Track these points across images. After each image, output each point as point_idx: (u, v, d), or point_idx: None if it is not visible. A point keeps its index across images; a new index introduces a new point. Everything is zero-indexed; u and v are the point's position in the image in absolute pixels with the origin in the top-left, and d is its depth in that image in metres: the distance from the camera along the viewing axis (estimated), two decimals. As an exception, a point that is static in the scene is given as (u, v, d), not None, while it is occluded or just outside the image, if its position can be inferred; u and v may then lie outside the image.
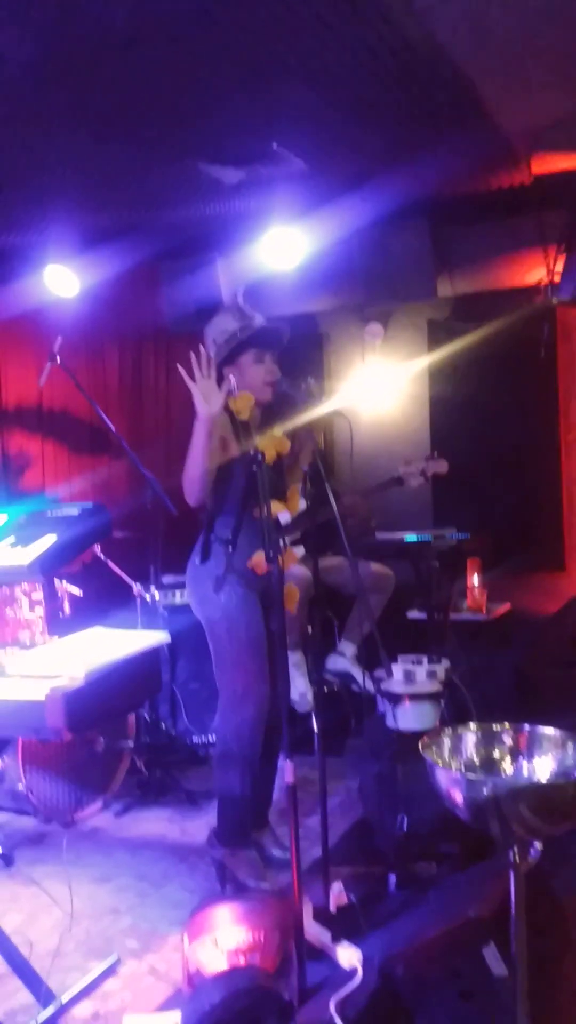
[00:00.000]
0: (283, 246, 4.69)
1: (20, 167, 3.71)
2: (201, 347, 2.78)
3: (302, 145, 3.66)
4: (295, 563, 3.49)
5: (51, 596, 3.74)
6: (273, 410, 3.11)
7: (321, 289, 5.49)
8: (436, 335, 6.52)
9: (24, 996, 2.33)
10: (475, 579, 5.01)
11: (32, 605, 3.74)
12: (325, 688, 4.19)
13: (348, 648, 4.37)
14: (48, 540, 3.46)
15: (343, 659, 4.36)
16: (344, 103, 3.34)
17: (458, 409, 6.71)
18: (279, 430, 3.08)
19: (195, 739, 4.20)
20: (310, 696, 4.13)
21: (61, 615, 3.79)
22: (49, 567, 3.40)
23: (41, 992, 2.30)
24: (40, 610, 3.71)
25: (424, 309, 6.38)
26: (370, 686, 3.74)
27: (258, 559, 2.89)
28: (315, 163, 3.81)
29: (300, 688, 4.16)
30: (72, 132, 3.40)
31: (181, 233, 4.86)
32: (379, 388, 6.55)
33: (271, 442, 3.03)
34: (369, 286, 5.08)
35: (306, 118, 3.45)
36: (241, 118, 3.38)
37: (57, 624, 3.67)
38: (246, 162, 3.74)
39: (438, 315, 6.48)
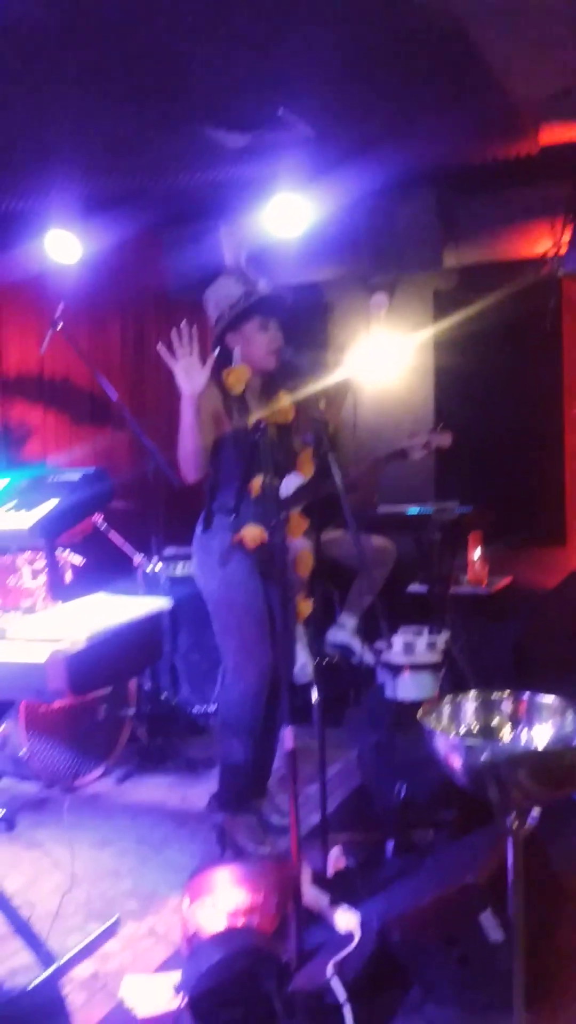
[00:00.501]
0: (288, 214, 4.64)
1: (23, 130, 3.66)
2: (184, 324, 2.73)
3: (308, 110, 3.61)
4: (302, 533, 3.49)
5: (53, 564, 3.73)
6: (276, 379, 3.09)
7: (326, 258, 5.44)
8: (442, 306, 6.46)
9: (25, 956, 2.36)
10: (476, 552, 5.01)
11: (34, 574, 3.74)
12: (325, 660, 4.20)
13: (349, 621, 4.38)
14: (50, 504, 3.45)
15: (343, 632, 4.37)
16: (352, 67, 3.29)
17: (463, 381, 6.66)
18: (286, 399, 3.06)
19: (196, 709, 4.22)
20: (310, 668, 4.14)
21: (63, 585, 3.79)
22: (51, 531, 3.39)
23: (41, 953, 2.32)
24: (42, 579, 3.71)
25: (430, 280, 6.31)
26: (369, 658, 3.75)
27: (248, 532, 2.88)
28: (321, 129, 3.76)
29: (300, 660, 4.18)
30: (77, 95, 3.35)
31: (185, 199, 4.80)
32: (384, 359, 6.50)
33: (274, 411, 3.01)
34: (375, 256, 5.03)
35: (313, 83, 3.40)
36: (247, 82, 3.33)
37: (59, 593, 3.67)
38: (251, 127, 3.69)
39: (444, 286, 6.42)
